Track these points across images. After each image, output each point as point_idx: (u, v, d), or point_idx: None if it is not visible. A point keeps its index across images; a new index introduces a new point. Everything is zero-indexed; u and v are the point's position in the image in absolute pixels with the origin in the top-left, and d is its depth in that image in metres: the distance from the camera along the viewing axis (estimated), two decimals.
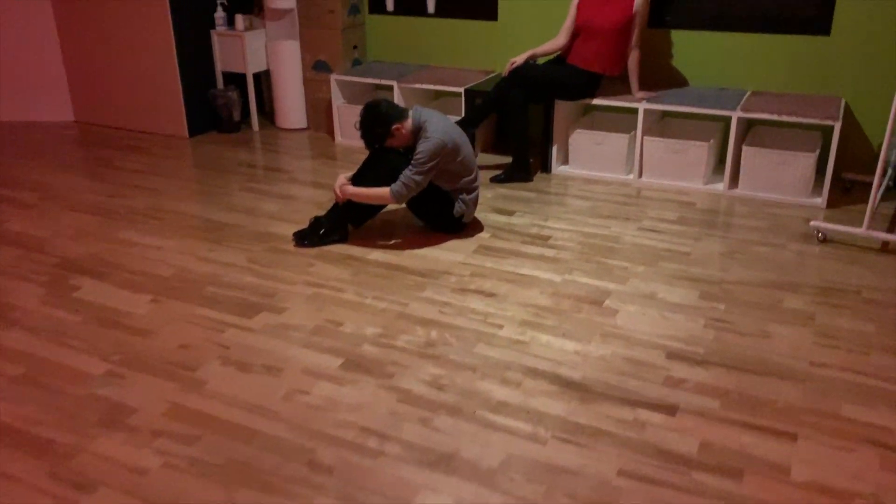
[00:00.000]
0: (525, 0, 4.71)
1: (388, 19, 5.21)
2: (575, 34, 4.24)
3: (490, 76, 4.79)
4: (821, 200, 3.88)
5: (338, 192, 3.45)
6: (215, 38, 5.25)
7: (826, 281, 3.12)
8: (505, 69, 4.25)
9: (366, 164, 3.51)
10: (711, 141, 4.08)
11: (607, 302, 2.98)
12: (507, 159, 4.56)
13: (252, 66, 5.25)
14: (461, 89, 4.53)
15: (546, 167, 4.45)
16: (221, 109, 5.24)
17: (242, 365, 2.58)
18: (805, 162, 3.83)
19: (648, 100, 4.09)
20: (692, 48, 4.39)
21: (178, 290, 3.09)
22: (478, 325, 2.82)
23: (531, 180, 4.30)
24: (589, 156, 4.34)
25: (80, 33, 5.29)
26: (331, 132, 5.24)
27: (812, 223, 3.50)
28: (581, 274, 3.20)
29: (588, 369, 2.54)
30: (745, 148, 3.94)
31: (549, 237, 3.58)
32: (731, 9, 4.32)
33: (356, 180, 3.48)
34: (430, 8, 5.05)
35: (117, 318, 2.89)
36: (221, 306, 2.97)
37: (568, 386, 2.46)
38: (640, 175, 4.26)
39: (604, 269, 3.25)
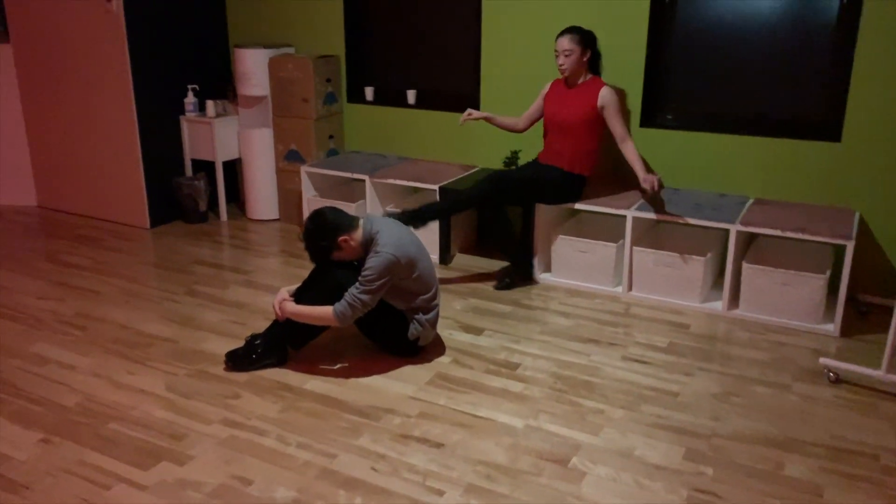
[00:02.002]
0: (508, 95, 4.38)
1: (367, 109, 4.90)
2: (545, 132, 3.92)
3: (470, 171, 4.42)
4: (833, 327, 3.40)
5: (277, 308, 3.04)
6: (184, 125, 4.96)
7: (837, 439, 2.61)
8: (461, 118, 3.92)
9: (310, 278, 3.10)
10: (709, 255, 3.64)
11: (575, 460, 2.49)
12: (490, 262, 4.16)
13: (221, 155, 4.94)
14: (436, 187, 4.15)
15: (527, 274, 4.02)
16: (185, 199, 4.91)
17: None
18: (814, 283, 3.37)
19: (660, 185, 3.58)
20: (690, 150, 4.00)
21: (76, 427, 2.65)
22: (413, 489, 2.34)
23: (534, 279, 3.99)
24: (573, 265, 3.91)
25: (47, 118, 5.03)
26: (301, 225, 4.87)
27: (822, 361, 3.02)
28: (548, 419, 2.73)
29: None
30: (745, 265, 3.50)
31: (517, 365, 3.12)
32: (733, 110, 3.95)
33: (298, 296, 3.07)
34: (411, 99, 4.74)
35: None
36: (118, 451, 2.52)
37: None
38: (630, 288, 3.82)
39: (576, 412, 2.77)
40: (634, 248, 3.75)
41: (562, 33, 3.72)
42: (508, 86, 4.37)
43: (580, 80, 3.79)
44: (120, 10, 4.42)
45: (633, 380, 3.01)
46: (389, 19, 4.80)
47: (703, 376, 3.04)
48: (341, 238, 2.96)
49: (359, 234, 3.00)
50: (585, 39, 3.72)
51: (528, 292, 3.88)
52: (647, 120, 4.09)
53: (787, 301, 3.44)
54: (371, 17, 4.84)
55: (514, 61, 4.32)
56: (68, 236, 4.69)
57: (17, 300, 3.73)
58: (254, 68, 4.74)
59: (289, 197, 4.93)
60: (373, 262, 2.90)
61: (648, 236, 3.95)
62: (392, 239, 2.96)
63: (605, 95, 3.72)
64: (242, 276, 4.06)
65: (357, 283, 2.91)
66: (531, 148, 4.37)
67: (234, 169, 5.32)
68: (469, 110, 3.92)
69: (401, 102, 4.78)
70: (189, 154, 5.02)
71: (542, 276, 4.03)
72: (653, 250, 3.70)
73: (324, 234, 2.96)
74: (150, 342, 3.30)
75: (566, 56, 3.70)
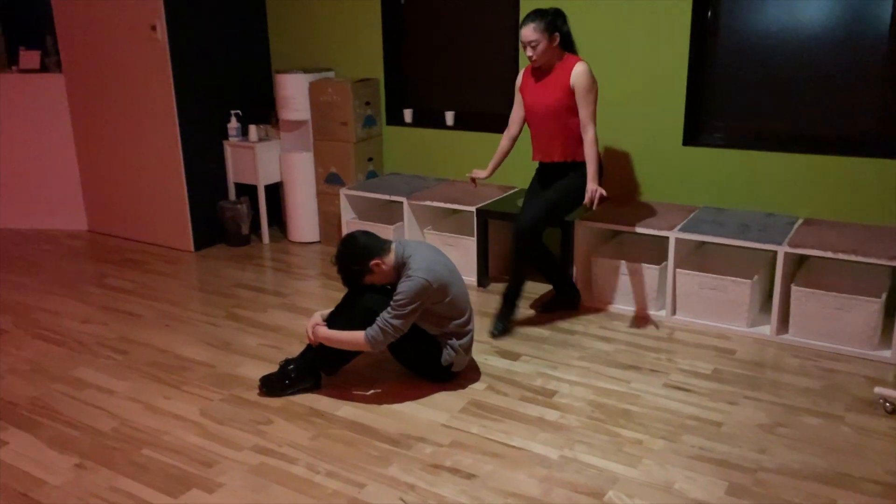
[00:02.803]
0: None
1: (406, 131, 4.90)
2: (528, 126, 3.59)
3: (509, 192, 4.37)
4: (889, 354, 3.22)
5: (310, 333, 3.02)
6: (228, 149, 5.04)
7: (893, 474, 2.46)
8: (468, 178, 3.73)
9: (342, 303, 3.08)
10: (756, 277, 3.50)
11: (611, 494, 2.39)
12: (528, 285, 4.10)
13: (264, 178, 5.00)
14: (473, 209, 4.11)
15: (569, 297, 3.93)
16: (229, 222, 4.97)
17: None
18: (869, 308, 3.21)
19: (601, 199, 3.29)
20: (736, 168, 3.87)
21: (110, 452, 2.67)
22: None
23: (579, 302, 3.87)
24: (614, 288, 3.81)
25: (96, 144, 5.16)
26: None
27: (877, 390, 2.85)
28: (585, 449, 2.64)
29: None
30: (794, 289, 3.35)
31: (554, 392, 3.03)
32: (780, 126, 3.82)
33: (331, 320, 3.05)
34: (449, 121, 4.72)
35: (27, 489, 2.47)
36: (149, 477, 2.52)
37: None
38: (674, 312, 3.70)
39: (614, 443, 2.68)
40: (678, 270, 3.63)
41: (524, 22, 3.31)
42: None
43: (556, 64, 3.39)
44: (164, 38, 4.53)
45: (675, 408, 2.90)
46: (427, 42, 4.80)
47: (748, 405, 2.91)
48: (373, 262, 2.93)
49: (391, 258, 2.97)
50: (551, 23, 3.29)
51: (567, 316, 3.79)
52: (691, 138, 3.97)
53: (840, 326, 3.28)
54: (409, 41, 4.86)
55: None
56: (115, 260, 4.79)
57: (62, 324, 3.81)
58: (294, 93, 4.79)
59: (329, 219, 4.95)
60: (404, 287, 2.87)
61: (693, 258, 3.83)
62: (424, 263, 2.92)
63: (576, 73, 3.30)
64: (281, 300, 4.07)
65: (389, 308, 2.87)
66: None
67: (276, 192, 5.37)
68: (475, 171, 3.70)
69: (439, 124, 4.77)
70: (232, 178, 5.09)
71: (583, 299, 3.93)
72: (697, 273, 3.58)
73: (355, 258, 2.94)
74: (187, 366, 3.32)
75: (533, 47, 3.30)
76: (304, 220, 5.04)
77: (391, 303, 2.88)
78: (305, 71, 4.83)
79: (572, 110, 3.37)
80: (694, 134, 3.99)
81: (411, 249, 2.98)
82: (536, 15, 3.29)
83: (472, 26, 4.62)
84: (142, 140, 4.90)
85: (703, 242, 3.87)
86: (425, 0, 4.75)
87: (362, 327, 2.92)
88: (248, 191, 5.14)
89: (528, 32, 3.29)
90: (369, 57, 4.88)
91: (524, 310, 3.86)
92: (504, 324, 3.58)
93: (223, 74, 4.93)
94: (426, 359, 3.04)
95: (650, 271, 3.70)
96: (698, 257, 3.89)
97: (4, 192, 5.45)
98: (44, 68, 5.35)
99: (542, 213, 3.46)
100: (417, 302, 2.87)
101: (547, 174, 3.57)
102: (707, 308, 3.59)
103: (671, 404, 2.93)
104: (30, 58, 5.34)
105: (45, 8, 5.13)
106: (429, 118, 4.85)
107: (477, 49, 4.64)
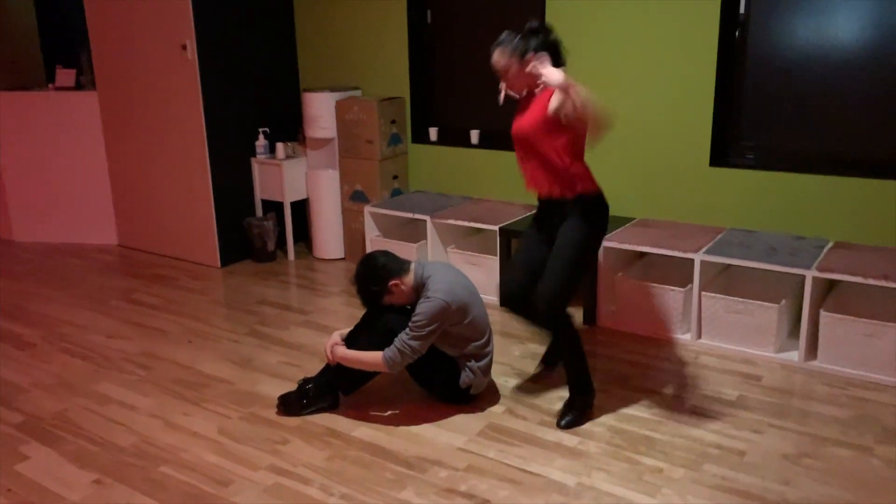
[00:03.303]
0: None
1: (431, 149, 4.90)
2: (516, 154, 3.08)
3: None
4: None
5: (328, 352, 3.02)
6: (255, 166, 5.09)
7: None
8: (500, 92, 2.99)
9: (361, 323, 3.08)
10: (783, 301, 3.43)
11: None
12: None
13: (290, 195, 5.03)
14: (496, 227, 4.09)
15: (591, 317, 3.89)
16: (255, 239, 5.01)
17: None
18: None
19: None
20: (764, 190, 3.80)
21: (128, 469, 2.69)
22: None
23: (593, 402, 3.05)
24: (639, 309, 3.76)
25: (127, 160, 5.26)
26: None
27: None
28: (603, 477, 2.59)
29: None
30: (823, 314, 3.27)
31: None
32: (811, 147, 3.75)
33: (350, 340, 3.05)
34: (474, 139, 4.71)
35: None
36: (165, 495, 2.53)
37: None
38: (699, 336, 3.63)
39: (633, 470, 2.62)
40: (703, 293, 3.57)
41: (493, 47, 2.89)
42: None
43: (538, 88, 2.83)
44: (195, 57, 4.60)
45: (697, 436, 2.83)
46: (453, 61, 4.82)
47: (774, 434, 2.83)
48: (392, 283, 2.93)
49: (410, 279, 2.96)
50: (522, 45, 2.79)
51: (591, 338, 3.74)
52: (718, 158, 3.92)
53: (871, 353, 3.19)
54: (435, 59, 4.87)
55: None
56: (144, 275, 4.86)
57: (88, 339, 3.86)
58: (321, 111, 4.83)
59: (354, 236, 4.96)
60: (423, 308, 2.86)
61: (719, 280, 3.76)
62: (444, 284, 2.90)
63: (555, 101, 2.72)
64: (304, 317, 4.08)
65: (407, 329, 2.86)
66: None
67: (303, 209, 5.41)
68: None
69: (464, 142, 4.77)
70: (259, 194, 5.14)
71: (606, 321, 3.88)
72: (723, 296, 3.52)
73: (374, 278, 2.94)
74: (208, 383, 3.34)
75: (505, 73, 2.86)
76: (329, 237, 5.06)
77: (410, 324, 2.86)
78: (332, 89, 4.87)
79: (552, 138, 2.81)
80: (721, 154, 3.93)
81: (431, 270, 2.97)
82: (504, 38, 2.85)
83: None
84: (171, 157, 4.98)
85: (730, 265, 3.80)
86: (451, 19, 4.77)
87: (381, 347, 2.91)
88: (275, 207, 5.18)
89: (495, 59, 2.86)
90: (395, 75, 4.90)
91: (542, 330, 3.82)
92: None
93: (252, 92, 5.00)
94: (445, 380, 3.02)
95: (675, 294, 3.64)
96: (725, 280, 3.82)
97: (39, 206, 5.57)
98: (79, 86, 5.47)
99: (558, 286, 2.83)
100: (436, 323, 2.85)
101: (547, 215, 3.01)
102: (733, 332, 3.52)
103: (694, 431, 2.86)
104: (66, 76, 5.47)
105: (82, 26, 5.25)
106: (454, 136, 4.85)
107: None
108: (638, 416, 2.99)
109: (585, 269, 3.10)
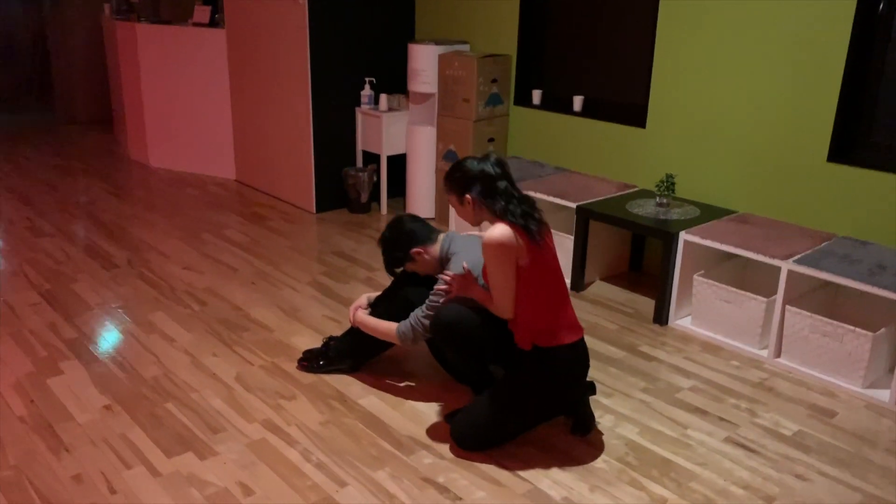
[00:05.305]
0: (677, 112, 3.86)
1: (533, 113, 4.62)
2: None
3: (625, 191, 3.98)
4: None
5: (351, 315, 2.94)
6: (359, 116, 5.07)
7: None
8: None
9: (386, 291, 2.97)
10: (884, 329, 2.90)
11: None
12: (634, 297, 3.74)
13: (388, 149, 4.97)
14: (573, 205, 3.79)
15: (662, 317, 3.52)
16: (350, 189, 5.02)
17: None
18: None
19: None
20: (888, 195, 3.21)
21: (138, 401, 2.78)
22: None
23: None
24: (715, 313, 3.35)
25: (246, 99, 5.43)
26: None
27: None
28: (596, 498, 2.33)
29: None
30: None
31: (595, 423, 2.72)
32: None
33: (373, 306, 2.95)
34: (577, 106, 4.38)
35: (55, 421, 2.64)
36: (158, 433, 2.59)
37: None
38: (778, 355, 3.18)
39: (634, 496, 2.34)
40: (788, 307, 3.10)
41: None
42: (679, 101, 3.85)
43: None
44: (305, 2, 4.60)
45: (726, 469, 2.47)
46: (564, 20, 4.47)
47: (820, 484, 2.41)
48: (415, 250, 2.78)
49: (435, 250, 2.80)
50: (458, 183, 2.51)
51: (655, 337, 3.40)
52: (839, 153, 3.35)
53: None
54: (547, 17, 4.55)
55: (688, 77, 3.78)
56: (243, 212, 5.03)
57: (166, 268, 4.05)
58: (424, 64, 4.69)
59: (444, 198, 4.82)
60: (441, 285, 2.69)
61: (815, 295, 3.25)
62: (467, 263, 2.71)
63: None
64: (368, 274, 4.04)
65: (424, 305, 2.71)
66: (685, 173, 3.84)
67: (404, 164, 5.34)
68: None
69: (566, 109, 4.44)
70: (361, 145, 5.12)
71: (679, 322, 3.51)
72: (810, 314, 3.04)
73: (398, 243, 2.81)
74: (249, 327, 3.39)
75: (453, 205, 2.60)
76: (422, 196, 4.97)
77: (427, 301, 2.71)
78: (438, 42, 4.70)
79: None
80: (843, 149, 3.36)
81: (458, 246, 2.78)
82: (448, 172, 2.58)
83: (612, 9, 4.22)
84: (280, 99, 5.07)
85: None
86: None
87: (398, 319, 2.78)
88: (377, 160, 5.15)
89: (446, 191, 2.60)
90: (505, 32, 4.64)
91: (607, 325, 3.52)
92: None
93: (364, 41, 4.93)
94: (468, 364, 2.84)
95: (756, 303, 3.19)
96: (824, 295, 3.30)
97: (171, 136, 5.92)
98: (213, 23, 5.69)
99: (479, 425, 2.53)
100: None
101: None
102: (818, 357, 3.04)
103: (724, 463, 2.51)
104: (202, 12, 5.71)
105: None
106: (556, 102, 4.54)
107: (613, 33, 4.24)
108: (667, 434, 2.67)
109: (521, 419, 2.59)
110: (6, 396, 2.78)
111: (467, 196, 2.52)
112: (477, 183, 2.50)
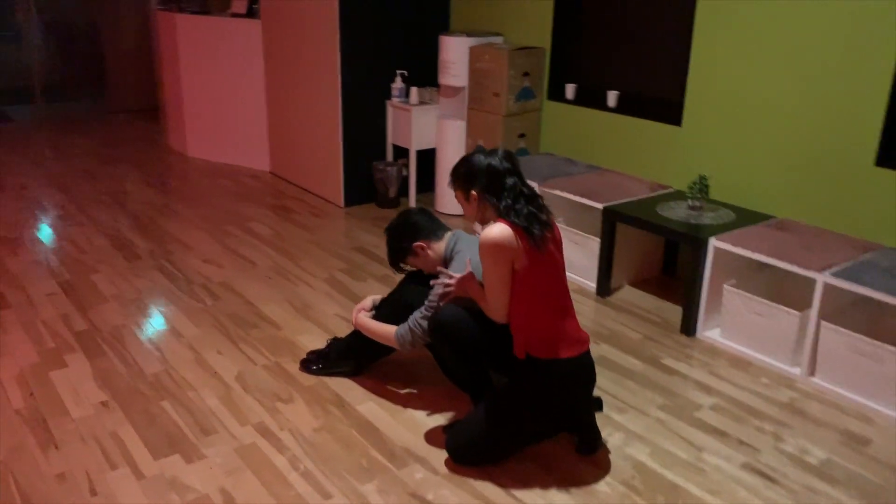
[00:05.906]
0: (713, 109, 3.63)
1: (566, 108, 4.44)
2: None
3: (657, 193, 3.78)
4: None
5: (353, 316, 2.84)
6: (390, 109, 4.97)
7: None
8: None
9: (390, 294, 2.86)
10: None
11: None
12: (661, 305, 3.55)
13: (417, 143, 4.86)
14: (600, 206, 3.60)
15: (689, 327, 3.32)
16: (378, 183, 4.92)
17: None
18: None
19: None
20: None
21: (135, 397, 2.74)
22: None
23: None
24: (746, 325, 3.13)
25: (280, 91, 5.39)
26: None
27: None
28: None
29: None
30: None
31: (602, 442, 2.55)
32: None
33: (378, 309, 2.85)
34: (611, 101, 4.18)
35: (51, 416, 2.62)
36: (149, 432, 2.54)
37: None
38: (812, 373, 2.95)
39: None
40: (824, 322, 2.87)
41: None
42: (717, 99, 3.62)
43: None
44: None
45: (740, 499, 2.28)
46: (599, 13, 4.27)
47: None
48: (417, 244, 2.67)
49: (440, 247, 2.68)
50: (464, 178, 2.42)
51: (679, 349, 3.20)
52: (888, 157, 3.08)
53: None
54: (582, 9, 4.35)
55: (727, 73, 3.55)
56: (272, 205, 4.99)
57: (186, 260, 4.03)
58: (455, 56, 4.55)
59: None
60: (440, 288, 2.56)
61: (855, 310, 3.00)
62: (471, 262, 2.57)
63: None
64: (385, 271, 3.93)
65: (422, 308, 2.59)
66: (722, 174, 3.61)
67: (433, 158, 5.21)
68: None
69: (600, 104, 4.24)
70: (391, 139, 5.02)
71: (707, 333, 3.30)
72: (848, 331, 2.80)
73: (401, 235, 2.71)
74: (258, 324, 3.33)
75: (459, 202, 2.51)
76: (451, 191, 4.82)
77: (426, 301, 2.59)
78: (470, 34, 4.56)
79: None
80: (892, 153, 3.09)
81: (463, 245, 2.65)
82: (455, 167, 2.48)
83: (649, 1, 4.01)
84: (311, 91, 5.00)
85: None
86: None
87: (398, 322, 2.67)
88: (406, 154, 5.04)
89: (450, 187, 2.53)
90: (539, 24, 4.46)
91: (631, 334, 3.33)
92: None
93: (396, 32, 4.82)
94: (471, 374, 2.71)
95: (789, 317, 2.97)
96: (863, 310, 3.04)
97: (208, 126, 5.93)
98: (251, 13, 5.66)
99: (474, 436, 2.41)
100: None
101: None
102: (855, 377, 2.80)
103: (738, 492, 2.32)
104: (240, 3, 5.68)
105: None
106: (590, 97, 4.34)
107: (649, 27, 4.02)
108: (679, 456, 2.49)
109: (516, 433, 2.43)
110: (7, 388, 2.78)
111: (473, 192, 2.39)
112: (483, 178, 2.37)
